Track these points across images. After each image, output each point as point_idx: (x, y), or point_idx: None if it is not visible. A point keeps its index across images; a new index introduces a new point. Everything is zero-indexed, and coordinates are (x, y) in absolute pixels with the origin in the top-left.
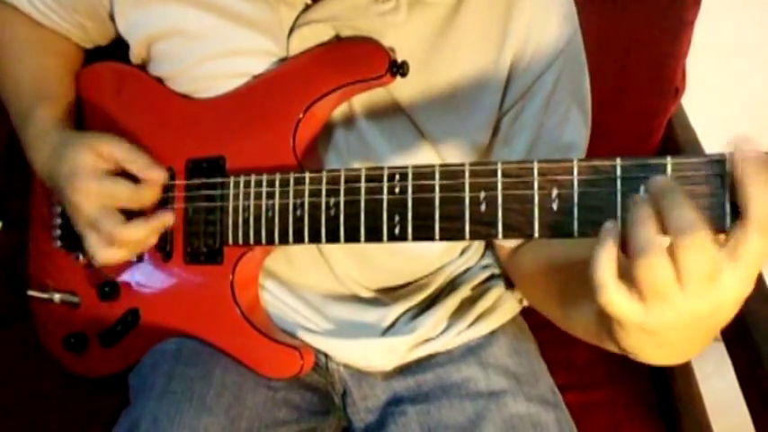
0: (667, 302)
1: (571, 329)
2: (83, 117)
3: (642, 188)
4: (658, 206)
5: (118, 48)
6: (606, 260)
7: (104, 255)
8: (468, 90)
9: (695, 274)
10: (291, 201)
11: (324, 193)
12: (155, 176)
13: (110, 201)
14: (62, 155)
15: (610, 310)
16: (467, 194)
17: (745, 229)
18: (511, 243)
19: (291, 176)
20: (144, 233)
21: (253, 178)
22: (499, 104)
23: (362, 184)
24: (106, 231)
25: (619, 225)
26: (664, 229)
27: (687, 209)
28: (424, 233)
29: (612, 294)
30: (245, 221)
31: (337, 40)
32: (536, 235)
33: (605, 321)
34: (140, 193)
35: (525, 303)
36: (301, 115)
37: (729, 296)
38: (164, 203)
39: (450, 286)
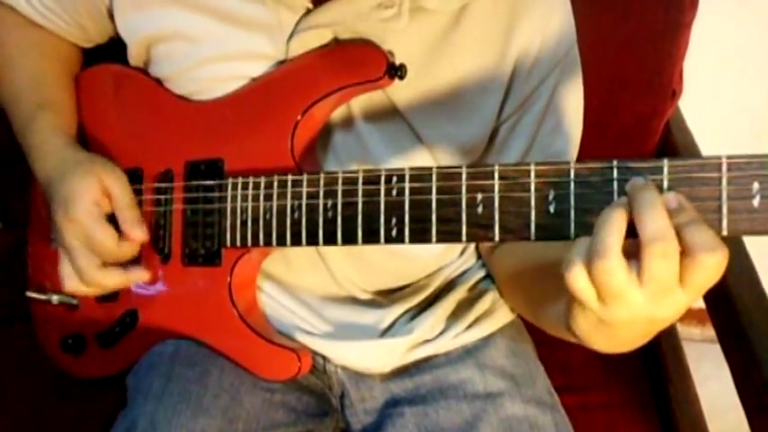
0: (623, 302)
1: (538, 324)
2: (82, 120)
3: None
4: (633, 207)
5: (116, 47)
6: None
7: (71, 285)
8: (466, 97)
9: (659, 280)
10: (289, 203)
11: (321, 195)
12: (135, 236)
13: (91, 243)
14: (66, 175)
15: (573, 286)
16: (463, 197)
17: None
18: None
19: (289, 178)
20: (114, 283)
21: (251, 180)
22: (497, 112)
23: (360, 187)
24: (79, 267)
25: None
26: (634, 229)
27: (661, 216)
28: (421, 235)
29: (577, 270)
30: (243, 223)
31: (336, 42)
32: (532, 237)
33: (567, 309)
34: (120, 251)
35: None
36: (299, 117)
37: (686, 301)
38: (162, 205)
39: (448, 288)
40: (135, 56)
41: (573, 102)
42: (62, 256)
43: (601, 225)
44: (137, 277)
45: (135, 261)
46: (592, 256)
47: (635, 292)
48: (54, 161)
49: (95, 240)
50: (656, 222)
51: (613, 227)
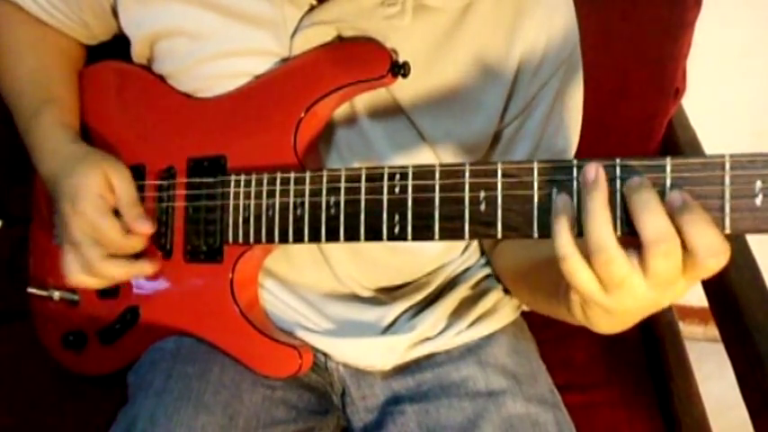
0: (627, 290)
1: (539, 309)
2: (85, 116)
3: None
4: (631, 207)
5: (120, 44)
6: (564, 233)
7: (78, 278)
8: (470, 95)
9: (663, 275)
10: (292, 200)
11: (324, 192)
12: (141, 230)
13: (98, 236)
14: (72, 170)
15: (574, 281)
16: (466, 194)
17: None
18: None
19: (292, 176)
20: (120, 274)
21: (253, 177)
22: (501, 112)
23: (363, 184)
24: (86, 259)
25: (574, 203)
26: (634, 228)
27: (660, 216)
28: (423, 233)
29: (574, 264)
30: (246, 220)
31: (339, 40)
32: (535, 235)
33: (567, 297)
34: (126, 243)
35: (524, 308)
36: (302, 114)
37: (689, 286)
38: (164, 202)
39: (450, 285)
40: (138, 53)
41: (574, 101)
42: (67, 250)
43: (592, 216)
44: (143, 269)
45: (138, 257)
46: (590, 250)
47: (638, 280)
48: (58, 157)
49: (102, 232)
50: (655, 223)
51: (603, 218)
